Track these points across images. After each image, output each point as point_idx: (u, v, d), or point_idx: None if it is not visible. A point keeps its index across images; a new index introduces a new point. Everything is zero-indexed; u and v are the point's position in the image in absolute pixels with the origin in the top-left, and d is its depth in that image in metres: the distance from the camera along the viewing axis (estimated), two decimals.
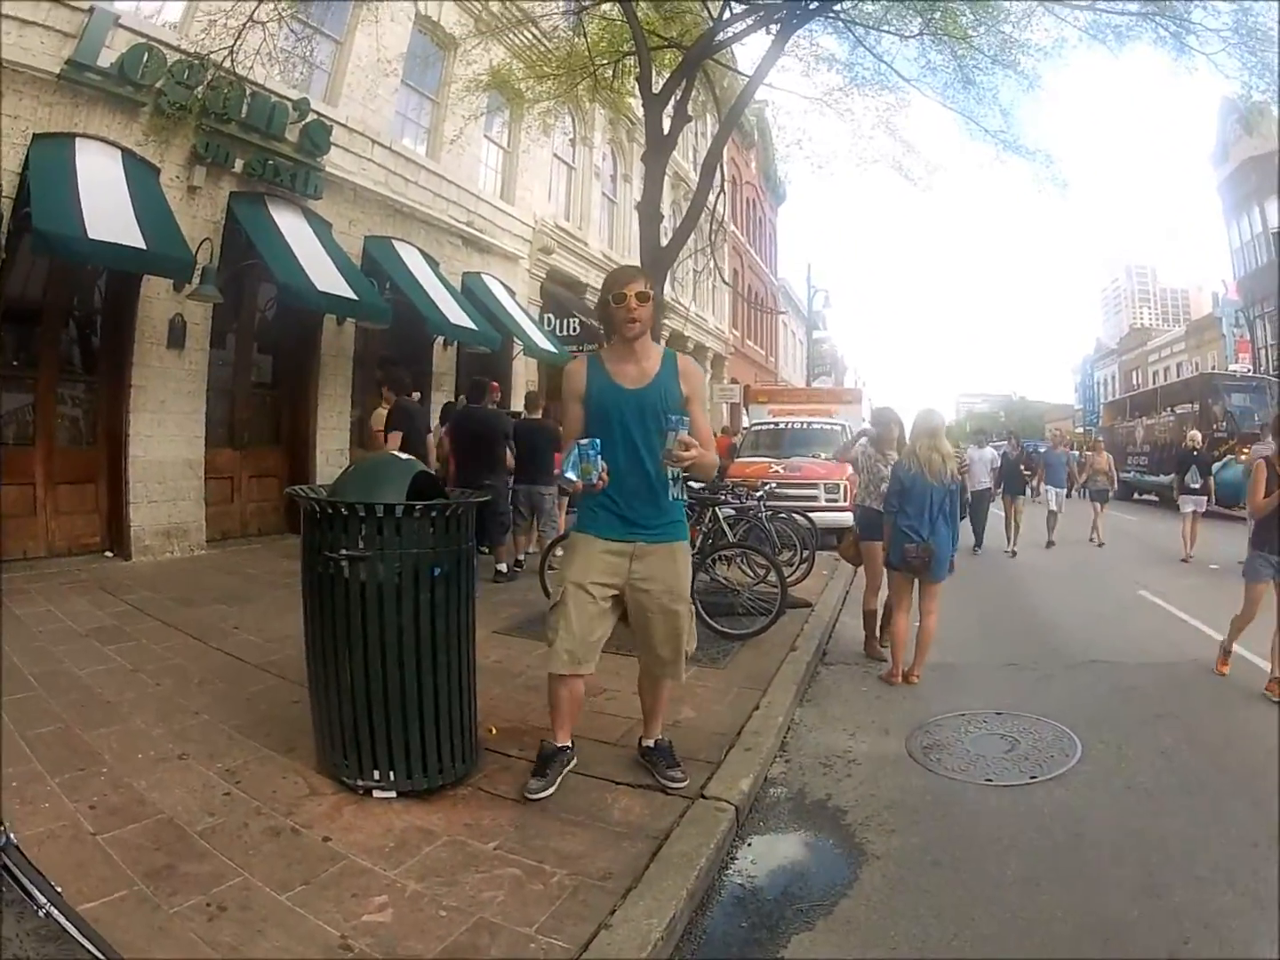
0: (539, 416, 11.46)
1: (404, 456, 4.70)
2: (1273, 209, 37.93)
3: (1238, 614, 7.04)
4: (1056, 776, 4.97)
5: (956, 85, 12.07)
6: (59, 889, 1.53)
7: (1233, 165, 41.08)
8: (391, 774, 4.07)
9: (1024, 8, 11.21)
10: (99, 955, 1.53)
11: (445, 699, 4.16)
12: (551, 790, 4.21)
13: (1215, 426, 25.08)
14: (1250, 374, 32.43)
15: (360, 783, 4.09)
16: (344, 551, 3.90)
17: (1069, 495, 18.40)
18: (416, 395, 11.19)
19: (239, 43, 9.76)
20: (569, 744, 4.44)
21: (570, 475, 3.88)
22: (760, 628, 7.70)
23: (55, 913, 1.49)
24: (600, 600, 4.19)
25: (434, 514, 4.05)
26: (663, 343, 20.14)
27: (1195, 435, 17.87)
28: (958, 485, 7.20)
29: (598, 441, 3.94)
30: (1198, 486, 15.48)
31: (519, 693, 5.68)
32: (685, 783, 4.32)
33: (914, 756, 5.31)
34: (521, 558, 10.66)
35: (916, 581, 7.07)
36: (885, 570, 7.51)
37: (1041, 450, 21.04)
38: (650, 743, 4.56)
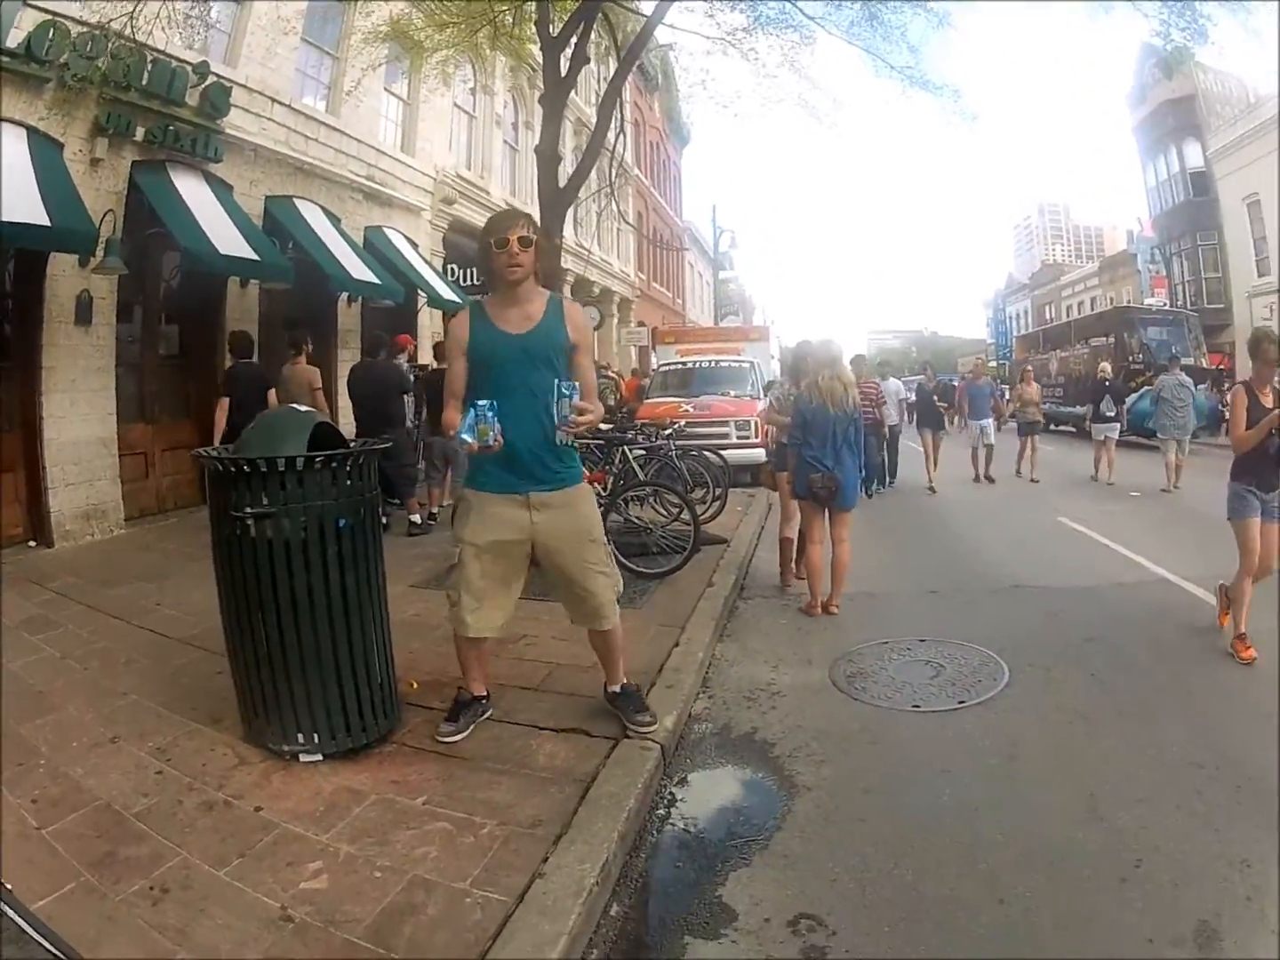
0: (438, 365, 11.30)
1: (303, 409, 4.59)
2: (1190, 150, 38.51)
3: (1238, 566, 5.99)
4: (985, 701, 5.04)
5: (863, 22, 12.04)
6: (9, 885, 1.49)
7: (1150, 107, 41.45)
8: (315, 736, 4.02)
9: None
10: (55, 951, 1.50)
11: (361, 655, 4.11)
12: (462, 736, 4.23)
13: (1131, 359, 25.53)
14: (1167, 308, 33.02)
15: (286, 748, 4.04)
16: (248, 510, 3.81)
17: (998, 429, 17.26)
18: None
19: (138, 8, 9.46)
20: (484, 694, 4.46)
21: (466, 437, 3.79)
22: (675, 566, 7.76)
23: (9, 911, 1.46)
24: (500, 558, 4.15)
25: (335, 464, 3.98)
26: (567, 288, 20.01)
27: (1106, 367, 18.44)
28: (859, 413, 7.24)
29: (495, 403, 3.82)
30: (1111, 414, 15.88)
31: (438, 645, 5.59)
32: (654, 726, 4.31)
33: (838, 686, 5.37)
34: (435, 510, 10.59)
35: (827, 511, 7.11)
36: (789, 496, 7.62)
37: (957, 383, 20.47)
38: (616, 688, 4.50)
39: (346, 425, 12.76)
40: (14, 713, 4.70)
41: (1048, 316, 58.69)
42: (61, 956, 1.53)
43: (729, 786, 4.17)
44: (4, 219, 8.35)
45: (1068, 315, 52.59)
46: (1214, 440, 20.27)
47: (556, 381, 3.95)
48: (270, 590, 3.86)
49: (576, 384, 4.01)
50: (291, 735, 4.02)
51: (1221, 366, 29.56)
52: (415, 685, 4.90)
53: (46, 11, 9.66)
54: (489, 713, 4.46)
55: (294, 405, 4.67)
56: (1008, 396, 24.22)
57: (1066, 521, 11.16)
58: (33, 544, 9.97)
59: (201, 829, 3.49)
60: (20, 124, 9.64)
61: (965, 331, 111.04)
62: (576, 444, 4.40)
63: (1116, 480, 14.95)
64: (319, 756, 4.03)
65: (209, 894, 3.04)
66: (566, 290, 18.13)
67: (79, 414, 10.34)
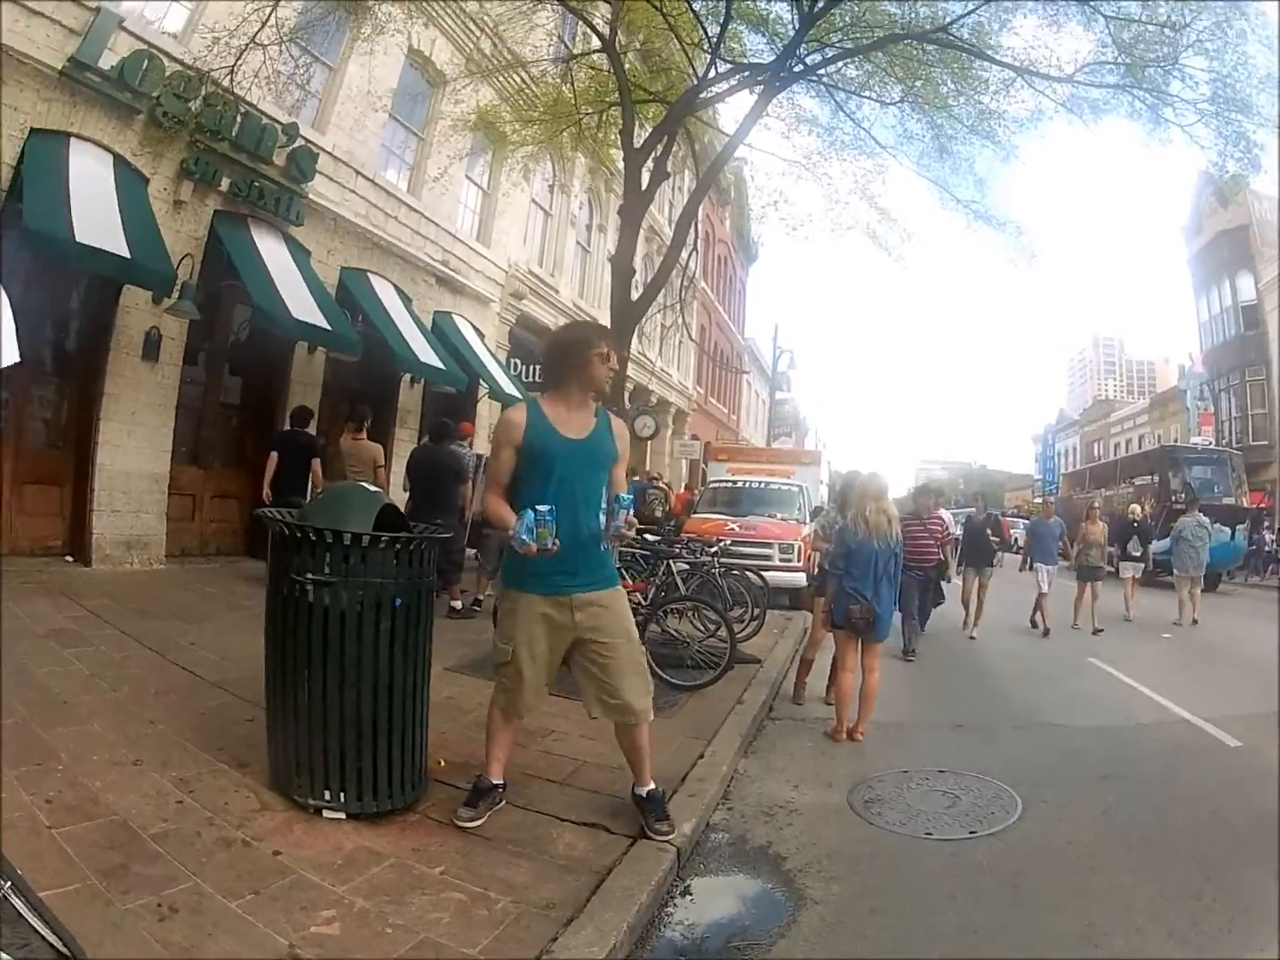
0: None
1: (372, 488, 4.79)
2: (1242, 282, 38.63)
3: None
4: (996, 832, 5.04)
5: (932, 154, 12.37)
6: (18, 871, 1.55)
7: (1205, 238, 41.69)
8: (342, 795, 4.12)
9: (1003, 78, 11.45)
10: (55, 941, 1.55)
11: (399, 726, 4.23)
12: (479, 823, 4.29)
13: (1174, 499, 25.40)
14: (1211, 446, 32.92)
15: (311, 802, 4.13)
16: (310, 576, 3.97)
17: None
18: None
19: (239, 63, 9.89)
20: (502, 782, 4.54)
21: (525, 538, 3.89)
22: (708, 680, 7.77)
23: (11, 895, 1.51)
24: (544, 654, 4.30)
25: (399, 546, 4.15)
26: (626, 396, 20.23)
27: (1136, 508, 19.07)
28: (900, 547, 7.35)
29: (555, 508, 3.96)
30: (1137, 555, 16.30)
31: (469, 730, 5.68)
32: (671, 835, 4.34)
33: (855, 809, 5.38)
34: (481, 597, 10.61)
35: (860, 641, 7.19)
36: (822, 624, 7.76)
37: (1013, 517, 19.43)
38: (642, 791, 4.54)
39: (400, 503, 12.93)
40: (36, 715, 4.83)
41: (1096, 454, 58.47)
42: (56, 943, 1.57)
43: (739, 894, 4.21)
44: (80, 240, 8.59)
45: (1115, 453, 52.35)
46: (1248, 581, 20.17)
47: (618, 494, 4.25)
48: (320, 653, 4.01)
49: (630, 497, 4.27)
50: (319, 790, 4.12)
51: (1262, 505, 29.35)
52: (444, 763, 4.98)
53: (142, 40, 10.05)
54: (502, 803, 4.53)
55: (363, 484, 4.86)
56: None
57: (1096, 662, 11.08)
58: (70, 559, 10.22)
59: (218, 861, 3.56)
60: (108, 149, 9.99)
61: (1013, 466, 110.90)
62: (615, 549, 4.61)
63: (1143, 618, 15.02)
64: (342, 815, 4.12)
65: (219, 921, 3.12)
66: (625, 399, 18.31)
67: (135, 446, 10.62)
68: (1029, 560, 15.04)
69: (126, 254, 9.06)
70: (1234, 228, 38.25)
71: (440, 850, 3.95)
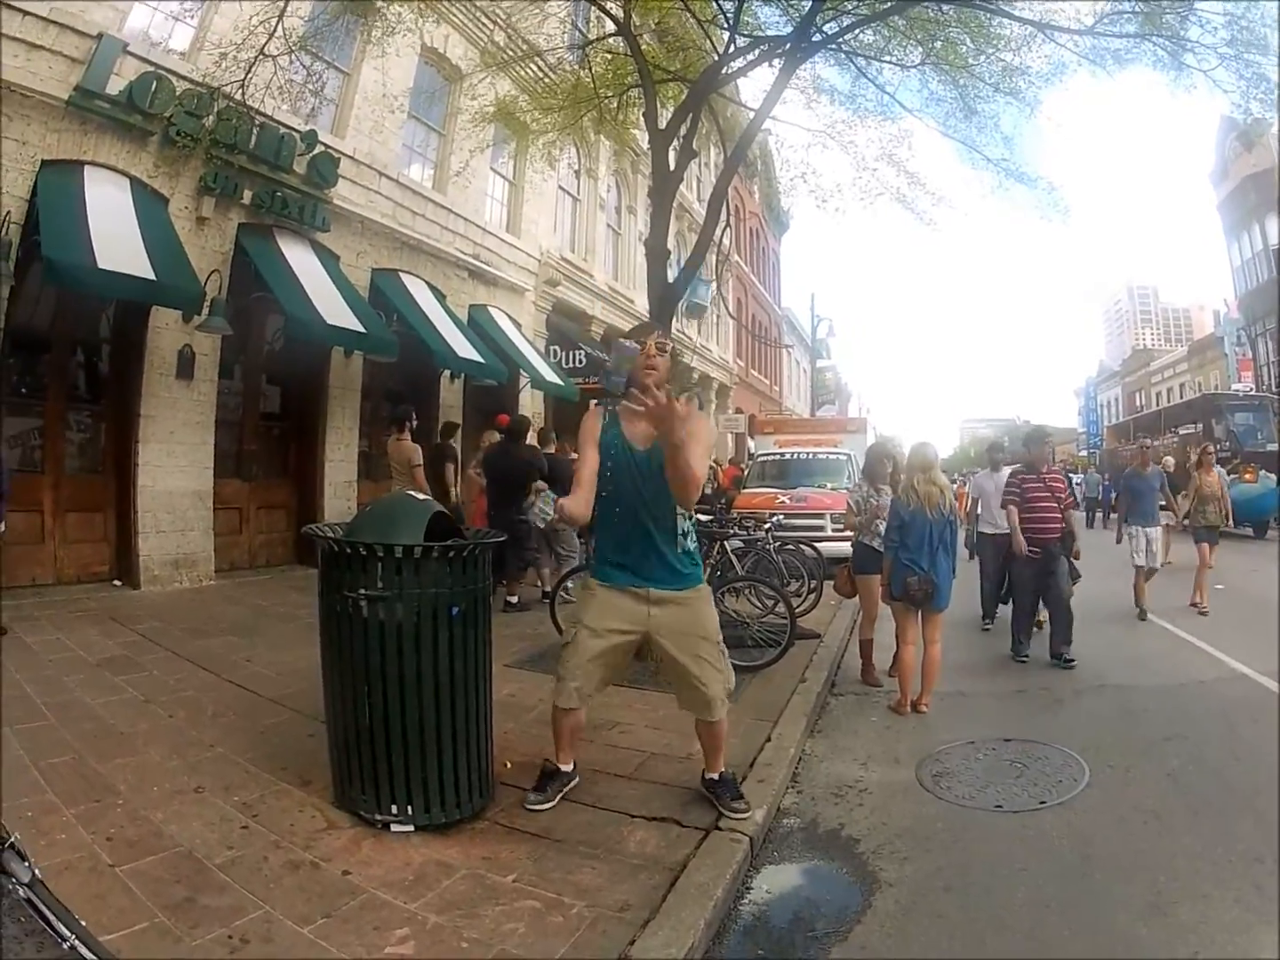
0: (553, 450, 11.73)
1: (420, 496, 4.76)
2: (1272, 226, 38.36)
3: None
4: (1065, 801, 5.01)
5: (958, 114, 12.14)
6: (84, 922, 1.54)
7: (1232, 183, 41.51)
8: (409, 808, 4.11)
9: (1023, 34, 11.25)
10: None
11: (462, 736, 4.21)
12: (549, 805, 4.39)
13: (1219, 446, 25.10)
14: (1252, 393, 32.53)
15: (378, 817, 4.12)
16: (363, 591, 3.96)
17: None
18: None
19: (250, 76, 9.89)
20: (571, 767, 4.61)
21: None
22: (770, 659, 7.73)
23: (80, 947, 1.49)
24: (612, 643, 4.36)
25: (451, 555, 4.12)
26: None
27: (1169, 460, 19.44)
28: (955, 516, 7.31)
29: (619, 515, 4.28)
30: (1164, 504, 15.61)
31: (532, 727, 5.68)
32: (748, 813, 4.43)
33: (924, 785, 5.35)
34: (548, 589, 10.46)
35: (920, 613, 7.15)
36: (884, 602, 7.66)
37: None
38: (714, 775, 4.65)
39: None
40: (92, 750, 4.83)
41: (1138, 404, 58.18)
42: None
43: (813, 880, 4.18)
44: (103, 267, 8.60)
45: (1158, 402, 52.03)
46: None
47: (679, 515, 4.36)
48: (379, 668, 3.99)
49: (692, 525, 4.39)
50: (385, 805, 4.11)
51: None
52: (509, 765, 4.97)
53: (148, 62, 10.05)
54: (575, 782, 4.60)
55: (411, 493, 4.82)
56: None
57: (1152, 618, 10.93)
58: (118, 583, 10.28)
59: (287, 886, 3.54)
60: (124, 173, 10.01)
61: (1057, 420, 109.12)
62: (696, 546, 4.61)
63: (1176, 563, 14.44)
64: (411, 828, 4.10)
65: (292, 948, 3.09)
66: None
67: (176, 465, 10.66)
68: (1119, 525, 12.00)
69: (152, 276, 9.09)
70: (1260, 171, 38.14)
71: (511, 857, 3.93)
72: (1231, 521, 13.35)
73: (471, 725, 4.28)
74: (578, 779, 4.66)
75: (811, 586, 10.78)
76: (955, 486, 7.56)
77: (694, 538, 4.53)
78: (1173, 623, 10.54)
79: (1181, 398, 46.14)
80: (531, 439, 12.00)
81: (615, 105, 13.51)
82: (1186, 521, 12.71)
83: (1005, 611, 9.81)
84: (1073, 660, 8.28)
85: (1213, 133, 44.61)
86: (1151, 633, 10.33)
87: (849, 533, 8.60)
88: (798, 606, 9.24)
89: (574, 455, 10.23)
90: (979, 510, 11.36)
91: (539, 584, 10.86)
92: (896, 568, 7.10)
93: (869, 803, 5.06)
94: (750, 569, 9.72)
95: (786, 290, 49.76)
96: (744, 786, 4.81)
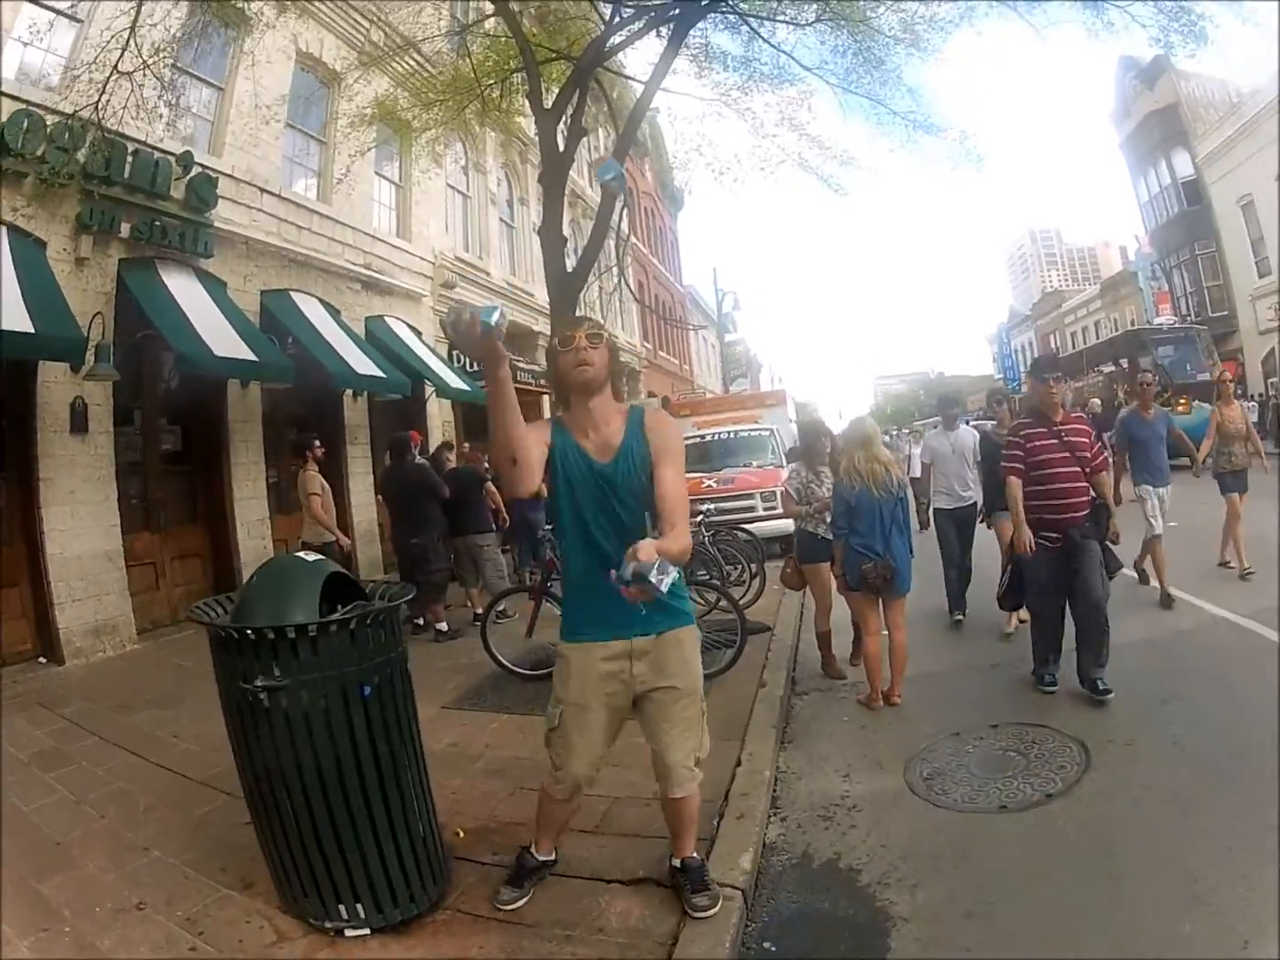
0: (458, 462, 11.28)
1: (310, 557, 4.01)
2: (1180, 160, 39.12)
3: None
4: (1071, 790, 4.67)
5: (860, 69, 11.77)
6: None
7: (1135, 121, 42.33)
8: (359, 910, 3.59)
9: None
10: None
11: (400, 824, 3.66)
12: (524, 901, 3.76)
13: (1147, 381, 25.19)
14: (1177, 324, 32.78)
15: (328, 924, 3.62)
16: (259, 683, 3.40)
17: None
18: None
19: (105, 97, 9.24)
20: (552, 855, 3.99)
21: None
22: (725, 664, 7.23)
23: None
24: (601, 716, 3.60)
25: (354, 625, 3.53)
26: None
27: (1095, 402, 20.37)
28: (904, 492, 6.87)
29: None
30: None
31: (481, 780, 5.20)
32: (714, 910, 3.63)
33: (916, 791, 4.94)
34: (479, 611, 10.01)
35: (880, 599, 6.72)
36: (838, 590, 7.23)
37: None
38: (676, 861, 3.86)
39: (365, 524, 12.55)
40: (31, 867, 4.37)
41: (1052, 345, 58.92)
42: None
43: (819, 927, 3.73)
44: None
45: (1073, 343, 52.98)
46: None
47: (635, 493, 3.52)
48: (293, 765, 3.44)
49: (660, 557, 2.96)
50: (333, 910, 3.60)
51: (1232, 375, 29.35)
52: (461, 834, 4.46)
53: (19, 100, 9.48)
54: (554, 865, 4.00)
55: (301, 555, 4.11)
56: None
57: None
58: (43, 660, 9.66)
59: None
60: None
61: (972, 369, 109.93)
62: (683, 578, 3.76)
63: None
64: (366, 930, 3.60)
65: None
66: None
67: (81, 527, 10.03)
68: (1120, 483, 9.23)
69: (31, 329, 8.48)
70: (1163, 108, 39.13)
71: (482, 953, 3.45)
72: (1264, 460, 10.67)
73: (409, 811, 3.73)
74: (556, 861, 4.04)
75: (753, 571, 10.42)
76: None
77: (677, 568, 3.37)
78: (1128, 565, 9.90)
79: (1098, 337, 46.90)
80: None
81: (498, 93, 13.00)
82: (1212, 467, 10.18)
83: (988, 607, 8.16)
84: (1109, 690, 6.03)
85: (1110, 75, 45.61)
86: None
87: (782, 510, 8.15)
88: (741, 598, 8.87)
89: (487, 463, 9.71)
90: (932, 479, 9.56)
91: (469, 604, 10.47)
92: (849, 556, 6.64)
93: (862, 822, 4.64)
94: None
95: (687, 267, 50.12)
96: (723, 825, 4.37)
